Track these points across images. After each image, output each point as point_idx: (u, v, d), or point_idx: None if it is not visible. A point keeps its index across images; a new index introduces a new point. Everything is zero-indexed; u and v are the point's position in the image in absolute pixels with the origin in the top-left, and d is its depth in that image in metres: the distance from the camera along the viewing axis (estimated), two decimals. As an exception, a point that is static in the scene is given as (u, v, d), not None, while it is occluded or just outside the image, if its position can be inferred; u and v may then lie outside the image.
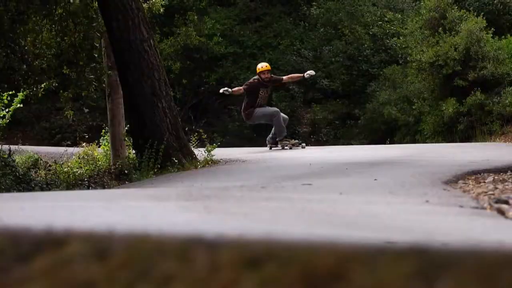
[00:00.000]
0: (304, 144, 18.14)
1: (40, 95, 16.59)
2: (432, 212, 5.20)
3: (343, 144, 28.24)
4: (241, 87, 18.21)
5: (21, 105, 17.70)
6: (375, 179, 8.77)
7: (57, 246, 1.73)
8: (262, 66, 18.09)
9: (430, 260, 1.37)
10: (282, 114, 18.11)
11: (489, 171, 10.08)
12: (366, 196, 6.32)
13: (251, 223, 3.97)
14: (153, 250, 1.63)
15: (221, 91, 18.32)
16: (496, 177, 9.34)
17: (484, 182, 8.90)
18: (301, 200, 5.64)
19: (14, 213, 4.32)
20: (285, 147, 17.58)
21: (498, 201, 6.58)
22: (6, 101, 16.93)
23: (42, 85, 16.33)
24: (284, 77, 18.91)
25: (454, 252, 1.41)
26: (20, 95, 17.17)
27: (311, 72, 18.45)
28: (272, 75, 18.27)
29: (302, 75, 18.76)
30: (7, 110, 17.35)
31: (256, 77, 18.01)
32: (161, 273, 1.58)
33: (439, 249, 1.43)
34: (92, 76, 16.32)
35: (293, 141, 18.02)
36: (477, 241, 3.14)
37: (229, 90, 18.07)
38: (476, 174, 9.75)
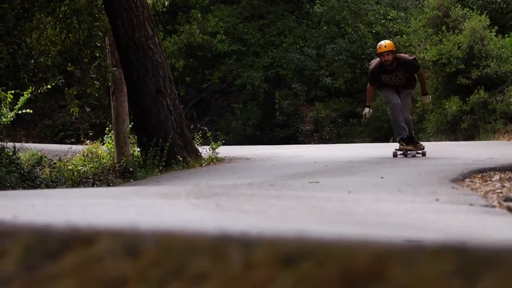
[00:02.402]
0: (420, 152, 13.59)
1: (43, 91, 16.59)
2: (443, 211, 5.20)
3: (345, 142, 28.25)
4: (369, 85, 13.91)
5: (30, 111, 17.75)
6: (382, 177, 8.78)
7: (85, 243, 1.73)
8: (380, 45, 13.45)
9: (470, 258, 1.36)
10: (404, 110, 13.66)
11: (494, 169, 10.10)
12: (374, 194, 6.32)
13: (265, 221, 3.97)
14: (185, 247, 1.63)
15: (365, 117, 14.27)
16: (502, 176, 9.35)
17: (491, 180, 8.91)
18: (310, 198, 5.64)
19: (26, 210, 4.31)
20: (398, 152, 13.62)
21: (507, 199, 6.58)
22: (9, 100, 16.93)
23: (48, 85, 16.32)
24: (419, 77, 13.99)
25: (493, 250, 1.41)
26: (26, 94, 17.18)
27: (427, 101, 14.39)
28: (399, 55, 13.72)
29: (426, 93, 14.24)
30: (10, 108, 17.37)
31: (379, 60, 13.54)
32: (194, 271, 1.58)
33: (479, 248, 1.43)
34: (93, 76, 16.32)
35: (408, 147, 13.54)
36: (494, 240, 3.13)
37: (368, 110, 13.97)
38: (482, 172, 9.77)
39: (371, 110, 14.17)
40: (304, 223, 3.92)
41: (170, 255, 1.62)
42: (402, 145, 13.53)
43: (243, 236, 1.66)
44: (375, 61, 13.78)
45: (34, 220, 2.49)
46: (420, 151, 13.66)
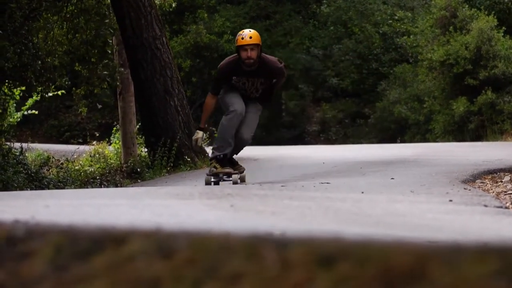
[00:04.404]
0: (232, 178, 9.52)
1: (52, 93, 16.59)
2: (458, 211, 5.18)
3: (352, 143, 28.23)
4: (210, 95, 9.72)
5: (36, 112, 17.77)
6: (392, 178, 8.77)
7: (117, 244, 1.71)
8: (243, 35, 9.37)
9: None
10: (248, 128, 9.79)
11: (504, 170, 10.08)
12: (387, 195, 6.30)
13: (283, 221, 3.94)
14: (218, 247, 1.60)
15: (195, 144, 9.98)
16: (512, 177, 9.33)
17: (501, 181, 8.90)
18: (324, 199, 5.63)
19: (41, 211, 4.30)
20: (211, 178, 9.56)
21: (520, 200, 6.58)
22: (18, 97, 16.93)
23: (58, 92, 16.34)
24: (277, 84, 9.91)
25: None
26: (35, 96, 17.19)
27: None
28: (266, 56, 9.66)
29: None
30: (16, 108, 17.40)
31: (235, 55, 9.56)
32: (229, 271, 1.56)
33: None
34: (106, 73, 16.30)
35: (225, 169, 9.50)
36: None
37: (201, 134, 9.88)
38: (492, 173, 9.76)
39: (204, 135, 10.11)
40: (322, 223, 3.90)
41: (204, 255, 1.59)
42: (215, 167, 9.45)
43: (278, 236, 1.63)
44: (230, 58, 9.68)
45: (62, 221, 2.46)
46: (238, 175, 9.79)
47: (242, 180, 9.61)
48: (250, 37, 9.25)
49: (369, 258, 1.45)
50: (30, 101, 17.46)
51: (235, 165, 9.77)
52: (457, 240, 1.92)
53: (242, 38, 9.27)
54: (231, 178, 9.44)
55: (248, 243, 1.60)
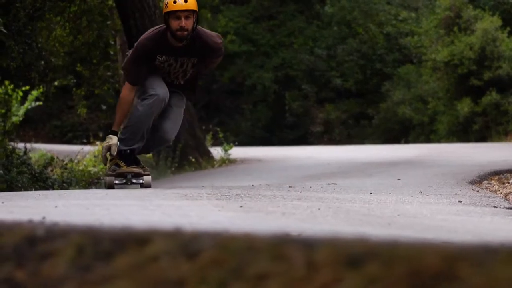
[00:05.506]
0: (144, 180, 7.29)
1: (53, 91, 16.60)
2: (468, 213, 5.17)
3: (356, 143, 28.22)
4: (127, 86, 7.30)
5: (40, 103, 17.76)
6: (399, 179, 8.76)
7: (139, 244, 1.69)
8: None
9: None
10: (172, 124, 7.39)
11: (510, 171, 10.06)
12: (396, 196, 6.29)
13: (295, 222, 3.93)
14: (243, 248, 1.59)
15: (105, 153, 7.31)
16: (519, 178, 9.32)
17: (508, 182, 8.88)
18: (333, 200, 5.62)
19: (51, 211, 4.28)
20: (115, 180, 7.30)
21: (529, 202, 6.56)
22: (19, 98, 16.94)
23: (56, 83, 16.33)
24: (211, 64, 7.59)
25: None
26: (34, 93, 17.19)
27: None
28: (202, 29, 7.33)
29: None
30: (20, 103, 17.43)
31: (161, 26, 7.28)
32: (255, 272, 1.54)
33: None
34: (109, 73, 16.29)
35: (134, 168, 7.26)
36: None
37: (116, 139, 7.20)
38: (498, 174, 9.75)
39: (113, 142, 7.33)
40: (334, 224, 3.89)
41: (230, 255, 1.58)
42: (119, 165, 7.24)
43: (303, 237, 1.62)
44: (153, 30, 7.32)
45: (76, 221, 2.45)
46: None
47: (148, 185, 7.40)
48: (186, 1, 6.95)
49: (397, 259, 1.44)
50: (31, 98, 17.47)
51: (138, 164, 7.44)
52: (486, 242, 1.91)
53: (175, 2, 6.95)
54: (141, 180, 7.29)
55: (273, 244, 1.59)
